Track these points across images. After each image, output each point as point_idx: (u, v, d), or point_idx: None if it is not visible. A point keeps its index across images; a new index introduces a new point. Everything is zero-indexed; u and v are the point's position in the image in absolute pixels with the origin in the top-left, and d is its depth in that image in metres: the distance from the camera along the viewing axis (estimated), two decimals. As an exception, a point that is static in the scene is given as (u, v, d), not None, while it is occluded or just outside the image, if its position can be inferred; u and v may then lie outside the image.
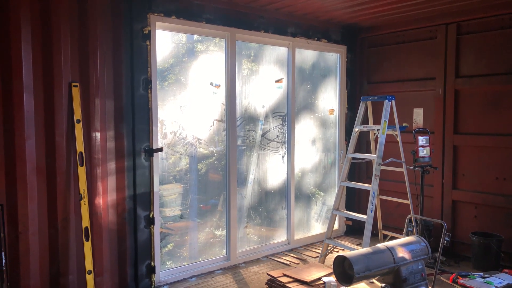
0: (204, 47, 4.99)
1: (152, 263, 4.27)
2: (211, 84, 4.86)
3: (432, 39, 5.48)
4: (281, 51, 5.53)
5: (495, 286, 4.17)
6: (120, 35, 3.98)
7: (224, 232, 5.07)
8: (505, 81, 4.85)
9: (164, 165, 4.56)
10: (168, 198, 4.71)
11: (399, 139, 4.95)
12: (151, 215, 4.24)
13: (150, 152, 4.20)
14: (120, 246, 4.07)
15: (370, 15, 5.42)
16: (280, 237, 5.66)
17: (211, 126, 4.92)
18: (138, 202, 4.15)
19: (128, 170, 4.08)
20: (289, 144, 5.61)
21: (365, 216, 4.62)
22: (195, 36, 4.86)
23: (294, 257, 5.27)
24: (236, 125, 5.02)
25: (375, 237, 5.46)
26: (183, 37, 4.80)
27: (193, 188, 4.94)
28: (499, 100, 4.93)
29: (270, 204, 5.62)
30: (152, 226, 4.25)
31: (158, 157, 4.32)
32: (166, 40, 4.53)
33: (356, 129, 5.07)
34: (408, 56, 5.75)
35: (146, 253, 4.24)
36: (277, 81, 5.53)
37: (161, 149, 4.27)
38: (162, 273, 4.44)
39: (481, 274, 4.48)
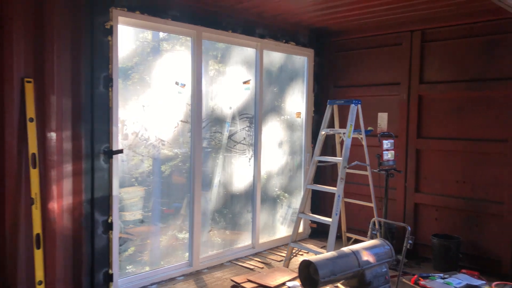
0: (170, 46, 4.84)
1: (110, 271, 4.07)
2: (177, 83, 4.72)
3: (398, 45, 5.56)
4: (249, 52, 5.45)
5: (454, 286, 4.25)
6: (80, 29, 3.77)
7: (187, 236, 4.92)
8: (468, 88, 4.97)
9: (125, 167, 4.38)
10: (129, 201, 4.52)
11: (364, 142, 4.97)
12: (109, 220, 4.04)
13: (110, 153, 4.01)
14: (76, 253, 3.84)
15: (338, 19, 5.43)
16: (245, 241, 5.57)
17: (175, 127, 4.77)
18: (96, 207, 3.95)
19: (85, 173, 3.87)
20: (256, 146, 5.53)
21: (330, 219, 4.60)
22: (161, 34, 4.71)
23: (259, 261, 5.19)
24: (202, 127, 4.89)
25: (339, 239, 5.47)
26: (148, 35, 4.64)
27: (156, 190, 4.78)
28: (462, 106, 5.04)
29: (236, 207, 5.52)
30: (110, 231, 4.05)
31: (118, 159, 4.13)
32: (130, 37, 4.36)
33: (323, 132, 5.06)
34: (374, 61, 5.80)
35: (104, 260, 4.03)
36: (244, 83, 5.44)
37: (121, 151, 4.08)
38: (121, 281, 4.25)
39: (441, 275, 4.56)
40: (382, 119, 5.73)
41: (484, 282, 4.37)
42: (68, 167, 3.74)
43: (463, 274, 4.58)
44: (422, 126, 5.37)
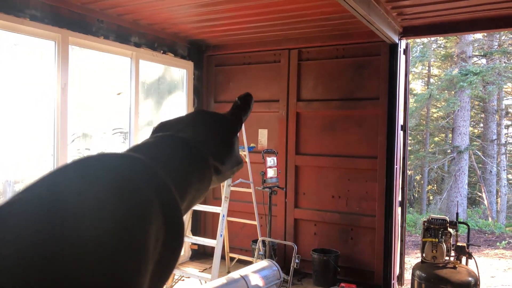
0: (29, 49, 4.15)
1: None
2: (36, 93, 4.04)
3: (276, 62, 5.64)
4: (124, 61, 4.98)
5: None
6: None
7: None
8: (339, 107, 5.24)
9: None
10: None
11: (247, 159, 4.88)
12: None
13: None
14: None
15: (217, 33, 5.31)
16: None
17: (35, 142, 4.07)
18: None
19: None
20: (131, 164, 5.03)
21: (214, 241, 4.36)
22: (15, 36, 3.99)
23: (136, 293, 4.68)
24: (67, 142, 4.26)
25: (222, 260, 5.24)
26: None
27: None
28: (334, 123, 5.29)
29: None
30: None
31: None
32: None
33: (205, 150, 4.82)
34: (254, 78, 5.80)
35: None
36: (118, 94, 4.94)
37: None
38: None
39: (324, 291, 4.64)
40: (263, 135, 5.73)
41: (360, 293, 4.57)
42: None
43: (343, 288, 4.74)
44: (300, 142, 5.50)
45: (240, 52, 5.83)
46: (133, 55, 4.98)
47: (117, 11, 4.48)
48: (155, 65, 5.45)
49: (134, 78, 5.00)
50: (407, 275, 5.15)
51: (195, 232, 5.91)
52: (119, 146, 4.98)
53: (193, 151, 0.56)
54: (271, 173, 4.80)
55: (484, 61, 13.92)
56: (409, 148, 15.90)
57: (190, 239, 4.75)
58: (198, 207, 4.79)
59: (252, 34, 5.24)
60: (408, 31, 4.75)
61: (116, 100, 4.95)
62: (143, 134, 5.25)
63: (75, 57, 4.47)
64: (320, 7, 4.17)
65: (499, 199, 13.45)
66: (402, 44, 4.84)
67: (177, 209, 0.44)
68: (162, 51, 5.35)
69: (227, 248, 5.37)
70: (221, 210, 4.42)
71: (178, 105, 5.85)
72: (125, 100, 4.98)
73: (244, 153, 4.88)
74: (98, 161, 0.41)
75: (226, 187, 4.46)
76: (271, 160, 4.85)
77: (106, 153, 0.43)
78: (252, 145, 5.40)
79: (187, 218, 4.73)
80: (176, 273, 4.59)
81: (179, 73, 5.87)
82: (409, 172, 16.29)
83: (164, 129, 0.63)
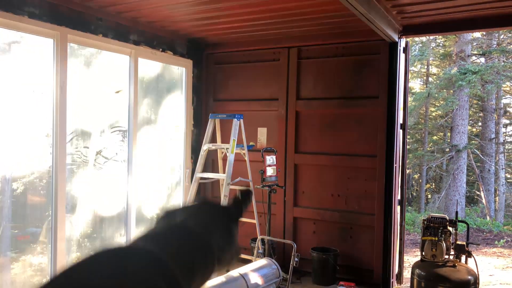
0: (27, 47, 4.13)
1: None
2: (34, 91, 4.02)
3: (275, 60, 5.63)
4: (123, 59, 4.96)
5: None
6: None
7: (48, 268, 4.19)
8: (339, 105, 5.23)
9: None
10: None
11: (246, 158, 4.87)
12: None
13: None
14: None
15: (216, 31, 5.29)
16: (118, 268, 4.99)
17: (33, 141, 4.05)
18: None
19: None
20: (130, 162, 5.02)
21: (213, 240, 4.36)
22: (13, 33, 3.97)
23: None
24: (66, 140, 4.25)
25: (221, 259, 5.26)
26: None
27: (6, 212, 3.99)
28: (335, 122, 5.28)
29: (107, 231, 4.92)
30: None
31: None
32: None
33: (205, 148, 4.82)
34: (253, 76, 5.79)
35: None
36: (117, 92, 4.92)
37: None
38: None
39: (322, 289, 4.64)
40: (262, 134, 5.72)
41: (359, 292, 4.56)
42: None
43: (342, 286, 4.73)
44: (300, 141, 5.49)
45: (239, 50, 5.82)
46: (132, 53, 4.97)
47: (116, 9, 4.46)
48: (154, 63, 5.44)
49: (133, 76, 4.98)
50: (406, 274, 5.15)
51: (194, 230, 5.91)
52: (118, 144, 4.96)
53: (200, 240, 0.63)
54: (270, 171, 4.80)
55: (483, 60, 13.92)
56: (407, 147, 15.90)
57: (189, 238, 4.75)
58: (197, 205, 4.79)
59: (251, 32, 5.22)
60: (408, 30, 4.74)
61: (115, 98, 4.93)
62: (141, 133, 5.24)
63: (74, 55, 4.46)
64: (320, 5, 4.16)
65: (497, 197, 13.48)
66: (402, 42, 4.83)
67: None
68: (161, 49, 5.34)
69: (226, 247, 5.36)
70: (220, 208, 4.41)
71: (177, 103, 5.84)
72: (124, 98, 4.97)
73: (243, 151, 4.87)
74: (115, 258, 0.51)
75: (225, 186, 4.46)
76: (270, 159, 4.84)
77: (123, 247, 0.54)
78: (251, 143, 5.39)
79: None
80: (175, 271, 4.59)
81: (178, 71, 5.85)
82: (407, 171, 16.29)
83: (169, 218, 0.71)
